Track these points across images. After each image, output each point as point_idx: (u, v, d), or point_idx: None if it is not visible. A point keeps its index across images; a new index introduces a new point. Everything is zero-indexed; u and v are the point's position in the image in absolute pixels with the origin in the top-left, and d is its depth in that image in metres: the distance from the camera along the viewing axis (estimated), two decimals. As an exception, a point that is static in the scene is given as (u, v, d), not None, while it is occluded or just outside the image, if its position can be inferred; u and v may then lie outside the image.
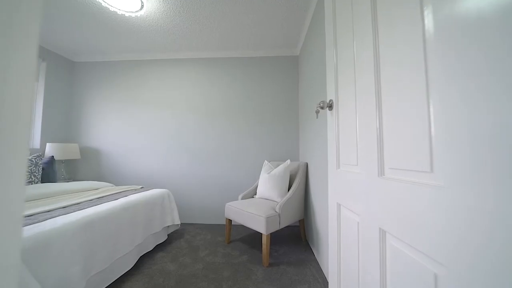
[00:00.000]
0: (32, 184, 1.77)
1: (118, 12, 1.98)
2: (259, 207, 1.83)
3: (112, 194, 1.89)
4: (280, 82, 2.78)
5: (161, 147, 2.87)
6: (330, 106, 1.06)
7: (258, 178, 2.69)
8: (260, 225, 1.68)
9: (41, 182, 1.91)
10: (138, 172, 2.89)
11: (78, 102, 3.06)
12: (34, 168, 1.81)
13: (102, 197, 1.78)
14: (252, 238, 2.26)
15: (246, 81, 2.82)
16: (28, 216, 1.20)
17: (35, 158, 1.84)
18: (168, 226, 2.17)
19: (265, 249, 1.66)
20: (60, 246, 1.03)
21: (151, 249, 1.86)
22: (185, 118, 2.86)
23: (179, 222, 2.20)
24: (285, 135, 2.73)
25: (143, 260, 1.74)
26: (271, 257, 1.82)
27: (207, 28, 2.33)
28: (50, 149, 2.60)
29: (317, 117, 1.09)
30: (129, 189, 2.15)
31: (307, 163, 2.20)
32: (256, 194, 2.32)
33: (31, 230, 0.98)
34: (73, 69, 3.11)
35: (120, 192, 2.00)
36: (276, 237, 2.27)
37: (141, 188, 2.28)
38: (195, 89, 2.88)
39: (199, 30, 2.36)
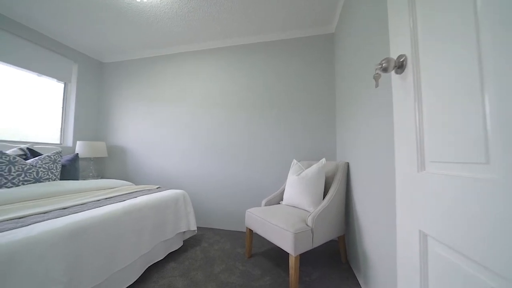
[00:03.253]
0: (49, 181, 1.73)
1: (130, -2, 1.85)
2: (286, 217, 1.46)
3: (123, 194, 1.74)
4: (312, 66, 2.35)
5: (181, 145, 2.71)
6: (400, 67, 0.64)
7: (286, 180, 2.31)
8: (286, 243, 1.31)
9: (60, 180, 1.88)
10: (158, 171, 2.79)
11: (106, 101, 3.13)
12: (52, 165, 1.77)
13: (112, 197, 1.63)
14: (278, 252, 1.89)
15: (270, 68, 2.47)
16: (16, 218, 1.06)
17: (53, 155, 1.81)
18: (184, 232, 1.94)
19: (293, 274, 1.27)
20: (32, 261, 0.83)
21: (161, 258, 1.64)
22: (205, 114, 2.65)
23: (195, 228, 1.96)
24: (319, 128, 2.28)
25: (151, 271, 1.53)
26: (301, 283, 1.42)
27: (225, 10, 2.05)
28: (79, 147, 2.66)
29: (376, 85, 0.68)
30: (144, 189, 2.00)
31: (348, 163, 1.74)
32: (282, 200, 1.94)
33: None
34: (102, 69, 3.19)
35: (133, 192, 1.84)
36: (308, 254, 1.85)
37: (158, 188, 2.12)
38: (214, 82, 2.65)
39: (217, 13, 2.09)
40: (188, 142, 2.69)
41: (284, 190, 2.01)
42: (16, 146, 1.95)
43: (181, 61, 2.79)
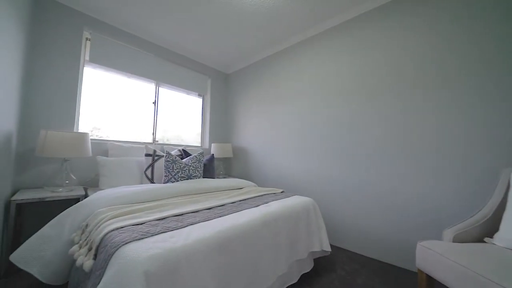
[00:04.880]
0: (196, 178, 1.97)
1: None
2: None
3: (254, 197, 1.65)
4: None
5: (301, 145, 2.43)
6: None
7: (484, 199, 1.37)
8: None
9: (203, 177, 2.12)
10: (277, 171, 2.66)
11: (230, 107, 3.49)
12: (198, 164, 2.03)
13: (245, 199, 1.57)
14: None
15: (427, 28, 1.61)
16: (177, 215, 1.12)
17: (198, 155, 2.08)
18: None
19: None
20: (191, 275, 0.74)
21: (295, 281, 1.36)
22: (328, 107, 2.20)
23: (329, 249, 1.55)
24: None
25: (287, 296, 1.27)
26: None
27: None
28: (213, 149, 3.08)
29: None
30: (269, 192, 1.86)
31: None
32: (494, 238, 1.10)
33: (164, 243, 0.77)
34: (227, 80, 3.61)
35: (261, 195, 1.73)
36: None
37: (282, 192, 1.92)
38: (337, 67, 2.14)
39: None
40: (309, 142, 2.35)
41: (487, 220, 1.16)
42: (177, 148, 2.47)
43: (297, 53, 2.54)
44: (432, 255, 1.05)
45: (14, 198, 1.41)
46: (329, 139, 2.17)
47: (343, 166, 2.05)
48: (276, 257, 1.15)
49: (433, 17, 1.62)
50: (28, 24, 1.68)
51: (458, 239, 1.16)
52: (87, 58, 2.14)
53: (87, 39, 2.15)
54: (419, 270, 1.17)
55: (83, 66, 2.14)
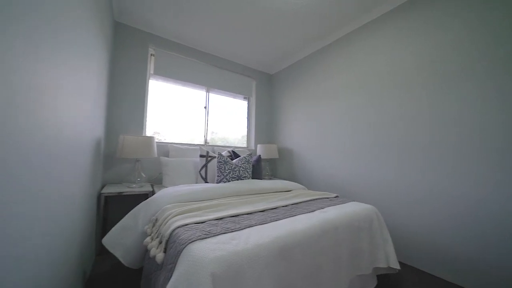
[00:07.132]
0: (246, 179, 2.01)
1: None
2: None
3: (307, 201, 1.56)
4: None
5: (354, 144, 2.19)
6: None
7: None
8: None
9: (252, 178, 2.15)
10: (326, 175, 2.48)
11: (275, 107, 3.46)
12: (247, 165, 2.06)
13: (297, 203, 1.50)
14: None
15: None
16: (233, 216, 1.13)
17: (247, 156, 2.11)
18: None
19: None
20: (252, 280, 0.72)
21: (358, 298, 1.21)
22: (389, 100, 1.91)
23: (397, 266, 1.33)
24: None
25: (350, 314, 1.14)
26: None
27: None
28: (259, 150, 3.10)
29: None
30: (322, 196, 1.73)
31: None
32: None
33: (226, 245, 0.78)
34: (271, 81, 3.59)
35: (314, 199, 1.62)
36: None
37: (336, 197, 1.77)
38: (401, 51, 1.83)
39: None
40: (363, 140, 2.10)
41: None
42: (226, 149, 2.58)
43: (348, 45, 2.31)
44: None
45: (103, 191, 1.71)
46: (389, 138, 1.88)
47: (410, 168, 1.74)
48: (337, 269, 1.04)
49: None
50: (111, 46, 2.02)
51: None
52: (151, 71, 2.45)
53: (151, 54, 2.46)
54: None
55: (149, 79, 2.46)
